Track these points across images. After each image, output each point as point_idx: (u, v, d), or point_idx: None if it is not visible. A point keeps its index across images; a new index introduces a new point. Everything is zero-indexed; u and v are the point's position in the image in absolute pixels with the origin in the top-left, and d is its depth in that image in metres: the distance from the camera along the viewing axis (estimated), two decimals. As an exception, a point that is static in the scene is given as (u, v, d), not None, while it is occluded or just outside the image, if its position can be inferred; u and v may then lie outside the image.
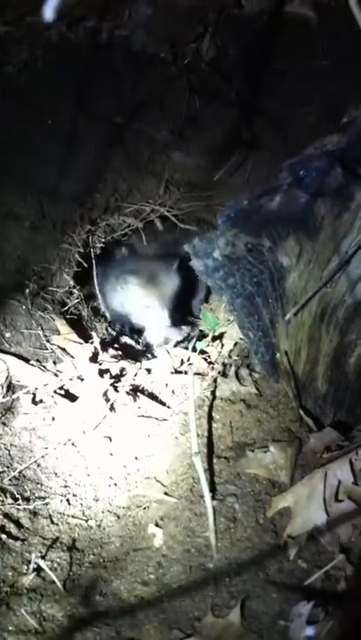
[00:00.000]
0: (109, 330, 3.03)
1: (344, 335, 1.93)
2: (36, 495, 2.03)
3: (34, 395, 2.35)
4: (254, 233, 1.85)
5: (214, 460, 2.03)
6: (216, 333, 2.62)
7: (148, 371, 2.59)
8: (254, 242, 1.85)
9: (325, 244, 1.82)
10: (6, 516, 1.93)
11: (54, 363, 2.48)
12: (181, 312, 3.36)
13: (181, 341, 2.93)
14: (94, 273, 3.03)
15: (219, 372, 2.35)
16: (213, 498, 1.89)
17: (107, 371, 2.46)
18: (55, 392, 2.36)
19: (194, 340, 2.55)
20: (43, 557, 1.81)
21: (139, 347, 2.97)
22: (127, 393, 2.40)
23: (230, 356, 2.44)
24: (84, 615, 1.68)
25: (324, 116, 2.80)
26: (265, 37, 2.81)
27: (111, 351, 2.62)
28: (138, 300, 3.14)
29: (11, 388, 2.34)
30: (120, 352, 2.65)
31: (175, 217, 3.00)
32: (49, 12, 0.97)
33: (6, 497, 1.98)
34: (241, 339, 2.46)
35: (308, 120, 2.80)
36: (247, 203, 1.90)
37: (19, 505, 1.97)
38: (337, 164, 1.77)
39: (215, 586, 1.71)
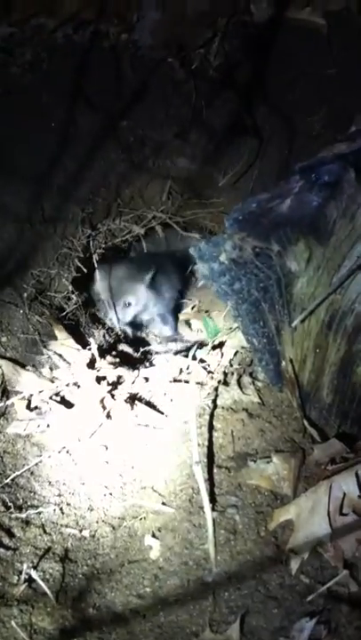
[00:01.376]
0: (110, 335, 2.96)
1: (352, 344, 1.87)
2: (29, 504, 1.97)
3: (29, 401, 2.30)
4: (263, 236, 1.80)
5: (215, 470, 1.97)
6: (216, 342, 2.56)
7: (147, 379, 2.54)
8: (262, 246, 1.80)
9: (336, 250, 1.77)
10: (-2, 524, 1.86)
11: (50, 369, 2.43)
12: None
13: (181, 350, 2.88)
14: (97, 277, 2.98)
15: (219, 381, 2.29)
16: (213, 509, 1.83)
17: (104, 378, 2.40)
18: (51, 398, 2.31)
19: (194, 348, 2.49)
20: (34, 568, 1.75)
21: (137, 354, 2.91)
22: (125, 401, 2.35)
23: (231, 365, 2.38)
24: (76, 628, 1.62)
25: (332, 126, 2.77)
26: (274, 44, 2.79)
27: (109, 358, 2.56)
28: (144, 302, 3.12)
29: (5, 393, 2.29)
30: (118, 359, 2.60)
31: (177, 224, 2.96)
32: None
33: (-2, 505, 1.92)
34: (243, 347, 2.42)
35: (316, 129, 2.77)
36: (256, 205, 1.85)
37: (10, 513, 1.92)
38: (350, 168, 1.72)
39: (214, 600, 1.65)
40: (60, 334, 2.51)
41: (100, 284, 3.06)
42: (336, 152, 1.93)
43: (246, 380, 2.25)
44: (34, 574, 1.72)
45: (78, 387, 2.38)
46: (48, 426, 2.23)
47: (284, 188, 1.81)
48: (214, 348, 2.55)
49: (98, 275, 3.04)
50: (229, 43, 2.75)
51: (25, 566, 1.74)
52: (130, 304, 3.15)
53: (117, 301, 3.09)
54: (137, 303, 3.19)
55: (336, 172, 1.72)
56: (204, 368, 2.48)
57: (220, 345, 2.55)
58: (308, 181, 1.76)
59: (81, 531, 1.90)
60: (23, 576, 1.72)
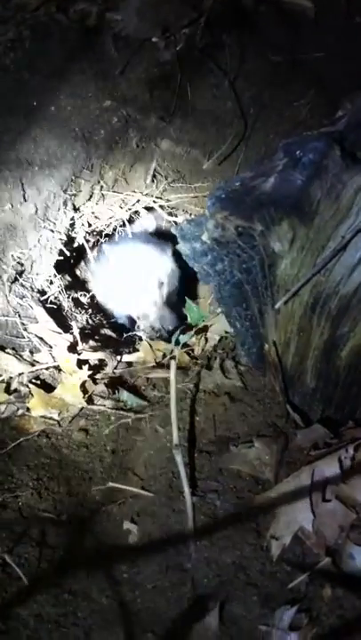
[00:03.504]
0: (93, 319, 2.92)
1: (336, 327, 1.84)
2: (6, 487, 1.93)
3: (8, 384, 2.27)
4: (246, 216, 1.76)
5: (196, 455, 1.94)
6: (200, 327, 2.53)
7: (129, 363, 2.51)
8: (245, 225, 1.76)
9: (321, 230, 1.73)
10: (-28, 508, 1.82)
11: (31, 352, 2.39)
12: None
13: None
14: (91, 256, 2.94)
15: (202, 365, 2.26)
16: (193, 494, 1.79)
17: (86, 362, 2.37)
18: (31, 382, 2.28)
19: (177, 333, 2.46)
20: (9, 552, 1.71)
21: (120, 339, 2.87)
22: (106, 385, 2.33)
23: (215, 350, 2.35)
24: (50, 614, 1.58)
25: (318, 111, 2.73)
26: (260, 26, 2.74)
27: (91, 342, 2.53)
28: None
29: (-16, 376, 2.25)
30: (100, 343, 2.56)
31: (162, 208, 2.91)
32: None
33: (-26, 488, 1.88)
34: (227, 332, 2.39)
35: (302, 113, 2.73)
36: (239, 184, 1.81)
37: (-14, 497, 1.87)
38: (336, 147, 1.69)
39: (192, 587, 1.62)
40: (42, 317, 2.47)
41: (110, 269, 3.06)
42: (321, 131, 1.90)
43: (229, 364, 2.22)
44: (8, 559, 1.68)
45: (59, 370, 2.35)
46: (27, 409, 2.19)
47: (267, 166, 1.77)
48: (198, 332, 2.52)
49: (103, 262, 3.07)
50: (215, 24, 2.70)
51: (-1, 551, 1.70)
52: (162, 283, 3.12)
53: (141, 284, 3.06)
54: (169, 281, 3.16)
55: (321, 150, 1.68)
56: (188, 353, 2.45)
57: (205, 330, 2.52)
58: (293, 159, 1.72)
59: (59, 515, 1.86)
60: (-3, 561, 1.68)
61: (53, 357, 2.36)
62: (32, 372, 2.30)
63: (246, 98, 2.74)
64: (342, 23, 2.79)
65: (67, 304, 2.79)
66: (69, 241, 2.77)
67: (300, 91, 2.75)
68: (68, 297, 2.83)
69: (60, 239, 2.65)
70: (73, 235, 2.76)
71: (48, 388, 2.27)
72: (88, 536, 1.81)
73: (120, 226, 2.97)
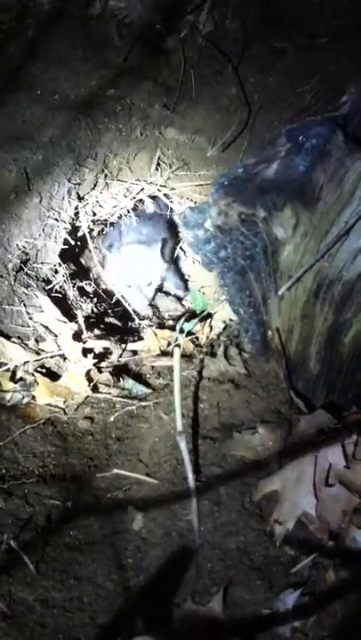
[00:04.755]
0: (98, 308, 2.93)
1: (339, 313, 1.84)
2: (12, 474, 1.94)
3: (14, 372, 2.27)
4: (249, 202, 1.75)
5: (199, 441, 1.95)
6: (204, 314, 2.53)
7: (134, 352, 2.51)
8: (248, 212, 1.76)
9: (324, 215, 1.73)
10: (-21, 495, 1.83)
11: (36, 341, 2.39)
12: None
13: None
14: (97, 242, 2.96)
15: (206, 353, 2.26)
16: (197, 480, 1.80)
17: (91, 350, 2.37)
18: (36, 370, 2.29)
19: (181, 321, 2.46)
20: (15, 538, 1.72)
21: (125, 327, 2.88)
22: (111, 373, 2.33)
23: (219, 337, 2.36)
24: (56, 599, 1.59)
25: (323, 97, 2.71)
26: (264, 12, 2.73)
27: (96, 331, 2.53)
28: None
29: (-10, 364, 2.26)
30: (105, 332, 2.57)
31: (166, 196, 2.91)
32: None
33: (-20, 475, 1.89)
34: (231, 319, 2.39)
35: (307, 100, 2.72)
36: (242, 170, 1.81)
37: (-8, 484, 1.89)
38: (338, 131, 1.68)
39: (197, 571, 1.64)
40: (47, 306, 2.47)
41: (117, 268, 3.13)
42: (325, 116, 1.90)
43: (233, 351, 2.23)
44: (14, 544, 1.69)
45: (64, 359, 2.35)
46: (33, 398, 2.20)
47: (270, 152, 1.77)
48: (202, 320, 2.52)
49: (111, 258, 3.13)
50: (219, 10, 2.69)
51: (5, 536, 1.71)
52: (150, 283, 3.18)
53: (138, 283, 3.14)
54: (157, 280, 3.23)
55: (324, 135, 1.68)
56: (192, 341, 2.45)
57: (209, 317, 2.52)
58: (296, 145, 1.72)
59: (64, 502, 1.87)
60: (3, 546, 1.69)
61: (59, 346, 2.36)
62: (37, 360, 2.30)
63: (250, 84, 2.73)
64: (347, 8, 2.77)
65: (72, 293, 2.79)
66: (74, 230, 2.77)
67: (304, 77, 2.73)
68: (73, 286, 2.83)
69: (65, 228, 2.65)
70: (77, 224, 2.76)
71: (53, 376, 2.28)
72: (93, 522, 1.81)
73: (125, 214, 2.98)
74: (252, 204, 1.75)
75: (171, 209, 3.06)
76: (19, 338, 2.37)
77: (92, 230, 3.07)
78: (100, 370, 2.34)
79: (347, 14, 2.73)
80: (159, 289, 3.28)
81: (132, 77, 2.68)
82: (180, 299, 3.34)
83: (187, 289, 3.39)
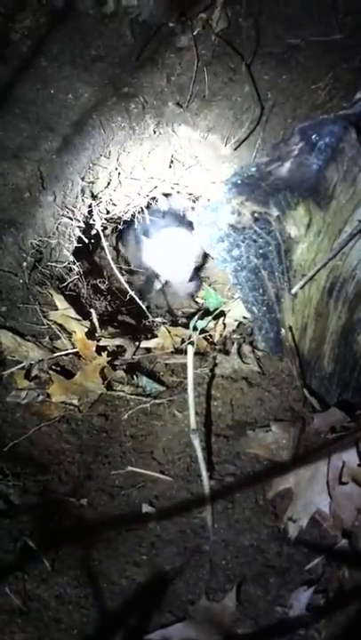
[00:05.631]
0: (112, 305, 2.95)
1: (353, 312, 1.84)
2: (27, 472, 1.96)
3: (28, 370, 2.28)
4: (262, 201, 1.76)
5: (213, 439, 1.95)
6: (218, 312, 2.54)
7: (148, 350, 2.52)
8: (261, 210, 1.76)
9: (337, 214, 1.73)
10: (-5, 492, 1.85)
11: (51, 339, 2.40)
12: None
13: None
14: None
15: (220, 350, 2.27)
16: (211, 477, 1.81)
17: (104, 348, 2.38)
18: (51, 368, 2.30)
19: (195, 318, 2.47)
20: (30, 535, 1.73)
21: (139, 325, 2.89)
22: (125, 371, 2.34)
23: (232, 335, 2.36)
24: (71, 595, 1.61)
25: (337, 94, 2.70)
26: (278, 9, 2.72)
27: (110, 329, 2.54)
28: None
29: (4, 362, 2.27)
30: (119, 330, 2.58)
31: (180, 194, 2.92)
32: None
33: (-4, 473, 1.91)
34: (245, 317, 2.39)
35: (321, 96, 2.71)
36: (255, 169, 1.81)
37: (8, 481, 1.90)
38: (352, 129, 1.68)
39: (210, 569, 1.64)
40: (61, 304, 2.49)
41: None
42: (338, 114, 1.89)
43: (246, 349, 2.23)
44: (29, 542, 1.70)
45: (79, 357, 2.36)
46: (48, 395, 2.21)
47: (283, 151, 1.77)
48: (216, 318, 2.53)
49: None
50: (232, 7, 2.69)
51: (21, 534, 1.72)
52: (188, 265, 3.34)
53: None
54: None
55: (337, 133, 1.67)
56: (206, 339, 2.46)
57: (222, 315, 2.52)
58: (309, 143, 1.72)
59: (79, 499, 1.88)
60: (19, 543, 1.70)
61: (73, 344, 2.38)
62: (52, 358, 2.31)
63: (263, 82, 2.72)
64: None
65: (85, 291, 2.80)
66: (88, 228, 2.78)
67: (318, 74, 2.72)
68: (87, 284, 2.85)
69: (79, 226, 2.66)
70: (91, 222, 2.77)
71: (68, 374, 2.28)
72: (108, 519, 1.83)
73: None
74: (266, 203, 1.76)
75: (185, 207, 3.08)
76: (33, 336, 2.38)
77: (105, 228, 3.08)
78: (114, 367, 2.35)
79: (360, 11, 2.71)
80: (197, 270, 3.34)
81: (145, 75, 2.69)
82: (192, 295, 3.37)
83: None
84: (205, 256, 3.51)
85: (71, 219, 2.62)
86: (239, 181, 1.81)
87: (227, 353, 2.24)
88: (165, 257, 3.23)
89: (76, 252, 2.72)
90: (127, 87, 2.66)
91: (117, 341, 2.45)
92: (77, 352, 2.36)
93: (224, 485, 1.82)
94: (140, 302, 2.96)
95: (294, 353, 2.01)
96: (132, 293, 2.93)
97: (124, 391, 2.26)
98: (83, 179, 2.63)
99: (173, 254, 3.20)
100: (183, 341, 2.51)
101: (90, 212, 2.74)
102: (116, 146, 2.69)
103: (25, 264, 2.46)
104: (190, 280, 3.35)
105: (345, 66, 2.69)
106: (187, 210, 3.31)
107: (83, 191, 2.65)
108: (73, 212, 2.63)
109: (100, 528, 1.81)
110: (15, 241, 2.45)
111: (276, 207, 1.75)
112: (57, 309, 2.47)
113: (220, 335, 2.48)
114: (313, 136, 1.72)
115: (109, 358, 2.33)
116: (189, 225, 3.26)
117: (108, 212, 2.88)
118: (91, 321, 2.46)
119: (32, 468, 1.97)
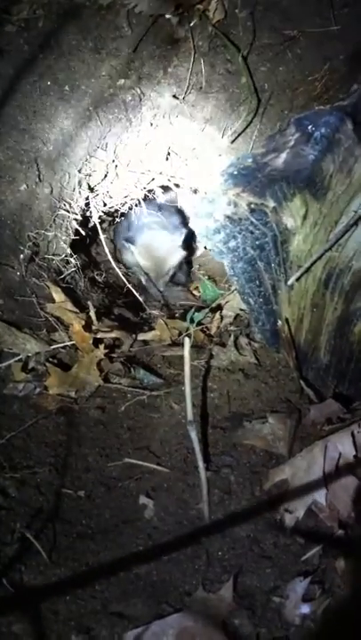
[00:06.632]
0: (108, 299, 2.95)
1: (349, 303, 1.84)
2: (24, 464, 1.96)
3: (25, 363, 2.28)
4: (258, 192, 1.76)
5: (210, 431, 1.96)
6: (215, 305, 2.54)
7: (145, 342, 2.52)
8: (258, 202, 1.77)
9: (333, 205, 1.73)
10: (-8, 484, 1.85)
11: (48, 331, 2.40)
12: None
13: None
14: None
15: (216, 343, 2.27)
16: (208, 469, 1.82)
17: (102, 340, 2.38)
18: (48, 361, 2.30)
19: (192, 311, 2.47)
20: (28, 527, 1.74)
21: (136, 318, 2.88)
22: (122, 363, 2.34)
23: (229, 327, 2.37)
24: (68, 586, 1.61)
25: (334, 84, 2.70)
26: (274, 1, 2.70)
27: (107, 321, 2.54)
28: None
29: (1, 355, 2.27)
30: (116, 322, 2.58)
31: (177, 186, 2.91)
32: None
33: (-7, 465, 1.91)
34: (242, 310, 2.39)
35: (317, 87, 2.70)
36: (251, 160, 1.81)
37: (5, 473, 1.91)
38: (348, 120, 1.68)
39: (207, 559, 1.65)
40: (58, 297, 2.49)
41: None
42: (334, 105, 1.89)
43: (243, 341, 2.24)
44: (27, 533, 1.71)
45: (76, 349, 2.37)
46: (45, 388, 2.21)
47: (279, 142, 1.77)
48: (213, 311, 2.53)
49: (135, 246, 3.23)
50: (229, -1, 2.68)
51: (18, 525, 1.73)
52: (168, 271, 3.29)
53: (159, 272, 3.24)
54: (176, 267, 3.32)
55: (333, 124, 1.67)
56: (203, 331, 2.46)
57: (219, 308, 2.52)
58: (305, 134, 1.72)
59: (76, 491, 1.89)
60: (16, 535, 1.71)
61: (70, 336, 2.38)
62: (49, 351, 2.32)
63: (260, 73, 2.71)
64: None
65: (83, 284, 2.80)
66: (85, 221, 2.77)
67: (314, 65, 2.71)
68: (85, 276, 2.84)
69: (76, 219, 2.66)
70: (88, 214, 2.76)
71: (65, 366, 2.29)
72: (105, 511, 1.83)
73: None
74: (262, 194, 1.76)
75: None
76: (30, 328, 2.38)
77: (102, 221, 3.07)
78: (111, 360, 2.35)
79: (357, 2, 2.70)
80: (172, 276, 3.32)
81: (142, 67, 2.67)
82: (187, 288, 3.36)
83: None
84: (190, 254, 3.52)
85: (68, 211, 2.62)
86: (235, 172, 1.81)
87: (223, 345, 2.25)
88: (149, 258, 3.23)
89: (73, 245, 2.71)
90: (124, 79, 2.64)
91: (114, 334, 2.45)
92: (74, 344, 2.36)
93: (221, 477, 1.82)
94: (137, 295, 2.95)
95: (291, 344, 2.01)
96: (129, 286, 2.93)
97: (121, 383, 2.26)
98: (80, 171, 2.62)
99: (156, 256, 3.20)
100: (180, 334, 2.51)
101: (87, 204, 2.73)
102: (112, 138, 2.68)
103: (22, 256, 2.46)
104: (173, 277, 3.35)
105: (341, 57, 2.69)
106: (183, 203, 3.30)
107: (80, 183, 2.64)
108: (70, 204, 2.63)
109: (98, 520, 1.81)
110: (12, 233, 2.44)
111: (273, 198, 1.75)
112: (54, 302, 2.47)
113: (217, 327, 2.48)
114: (309, 127, 1.72)
115: (106, 351, 2.33)
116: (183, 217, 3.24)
117: (105, 205, 2.87)
118: (88, 313, 2.45)
119: (29, 461, 1.97)
